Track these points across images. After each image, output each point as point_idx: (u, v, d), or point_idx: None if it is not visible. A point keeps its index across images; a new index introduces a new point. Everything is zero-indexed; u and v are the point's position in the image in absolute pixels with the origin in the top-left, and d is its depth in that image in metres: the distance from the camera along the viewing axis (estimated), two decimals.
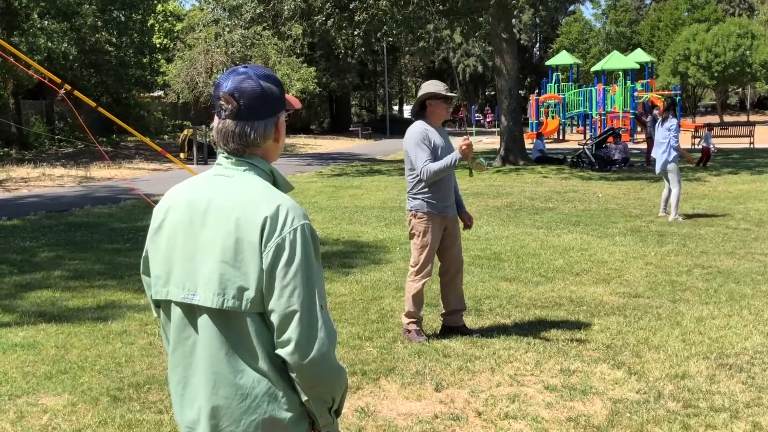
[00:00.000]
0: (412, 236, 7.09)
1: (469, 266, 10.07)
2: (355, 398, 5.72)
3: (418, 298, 7.07)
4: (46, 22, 30.25)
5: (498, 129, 28.78)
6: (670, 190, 13.85)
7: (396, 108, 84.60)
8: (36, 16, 30.21)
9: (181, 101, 43.74)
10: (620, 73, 41.51)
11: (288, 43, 43.16)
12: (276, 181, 2.55)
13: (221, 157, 2.52)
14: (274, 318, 2.32)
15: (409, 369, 6.31)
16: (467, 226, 7.39)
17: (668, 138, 13.49)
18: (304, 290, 2.32)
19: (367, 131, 57.26)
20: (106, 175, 25.69)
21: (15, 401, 5.73)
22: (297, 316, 2.31)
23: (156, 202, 2.64)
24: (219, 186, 2.46)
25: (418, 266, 7.05)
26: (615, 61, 42.72)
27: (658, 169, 13.73)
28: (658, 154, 13.67)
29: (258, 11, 26.24)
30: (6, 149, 32.23)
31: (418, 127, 6.94)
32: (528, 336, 7.11)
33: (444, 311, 7.33)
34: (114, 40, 35.78)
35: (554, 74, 45.11)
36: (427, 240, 6.97)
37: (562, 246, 11.50)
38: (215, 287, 2.36)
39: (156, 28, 44.53)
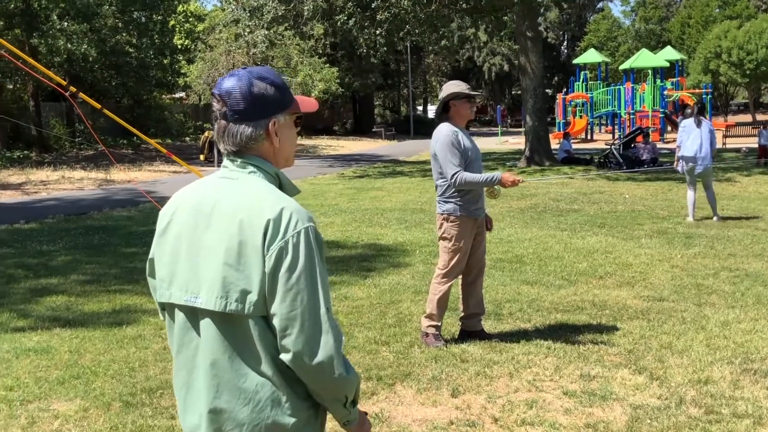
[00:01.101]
0: (443, 239, 7.06)
1: (490, 269, 10.06)
2: (370, 404, 5.72)
3: (443, 301, 7.06)
4: (66, 24, 30.47)
5: (523, 129, 28.67)
6: (694, 192, 13.79)
7: (420, 108, 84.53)
8: (55, 17, 30.43)
9: (202, 102, 43.94)
10: (649, 71, 41.30)
11: (310, 43, 43.27)
12: (282, 184, 2.56)
13: (226, 160, 2.55)
14: (277, 322, 2.33)
15: (426, 374, 6.31)
16: (488, 229, 7.37)
17: (711, 139, 13.49)
18: (308, 294, 2.32)
19: (391, 132, 57.29)
20: (126, 177, 25.86)
21: (26, 407, 5.78)
22: (300, 320, 2.31)
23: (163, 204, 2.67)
24: (224, 188, 2.47)
25: (447, 269, 7.03)
26: (644, 59, 42.52)
27: (700, 169, 13.55)
28: (700, 156, 13.53)
29: (279, 12, 26.31)
30: (26, 152, 32.51)
31: (447, 130, 6.91)
32: (548, 341, 7.08)
33: (462, 314, 7.31)
34: (134, 41, 36.00)
35: (582, 73, 44.94)
36: (460, 244, 6.96)
37: (586, 248, 11.45)
38: (218, 290, 2.37)
39: (177, 29, 44.73)
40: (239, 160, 2.50)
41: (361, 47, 30.61)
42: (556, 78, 79.27)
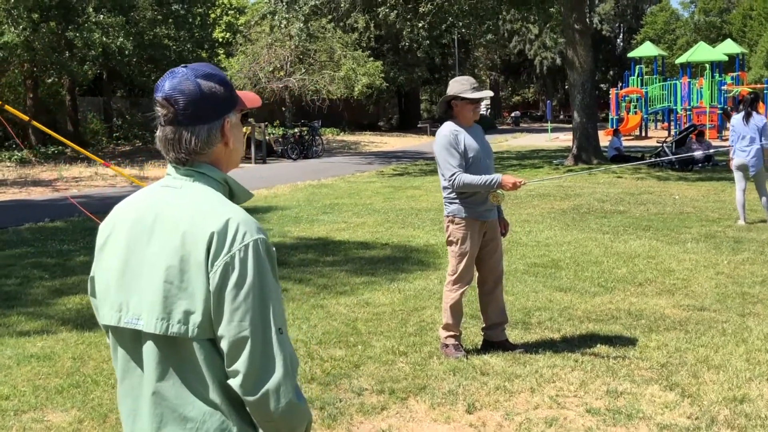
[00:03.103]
0: (450, 243, 6.92)
1: (522, 275, 9.86)
2: (379, 419, 5.56)
3: (456, 309, 6.88)
4: (102, 17, 30.67)
5: (571, 125, 28.31)
6: (743, 193, 13.39)
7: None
8: (91, 9, 30.66)
9: None
10: (707, 65, 40.62)
11: (354, 36, 43.23)
12: (232, 190, 2.42)
13: (170, 166, 2.40)
14: (224, 345, 2.19)
15: (442, 388, 6.13)
16: (502, 234, 7.17)
17: (761, 137, 13.06)
18: (257, 313, 2.18)
19: (436, 128, 56.92)
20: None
21: (20, 417, 5.70)
22: (249, 343, 2.16)
23: (103, 217, 2.54)
24: (166, 199, 2.33)
25: (456, 275, 6.86)
26: (701, 52, 41.84)
27: (753, 171, 13.17)
28: (751, 159, 13.11)
29: (315, 3, 26.17)
30: (61, 147, 32.80)
31: (446, 130, 6.76)
32: (576, 353, 6.86)
33: (484, 325, 7.12)
34: (172, 34, 36.16)
35: (637, 67, 44.36)
36: (466, 248, 6.77)
37: (627, 253, 11.17)
38: (159, 311, 2.23)
39: (216, 22, 44.91)
40: (184, 168, 2.35)
41: (405, 40, 30.41)
42: (611, 72, 78.47)
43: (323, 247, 11.96)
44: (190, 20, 37.51)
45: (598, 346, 7.06)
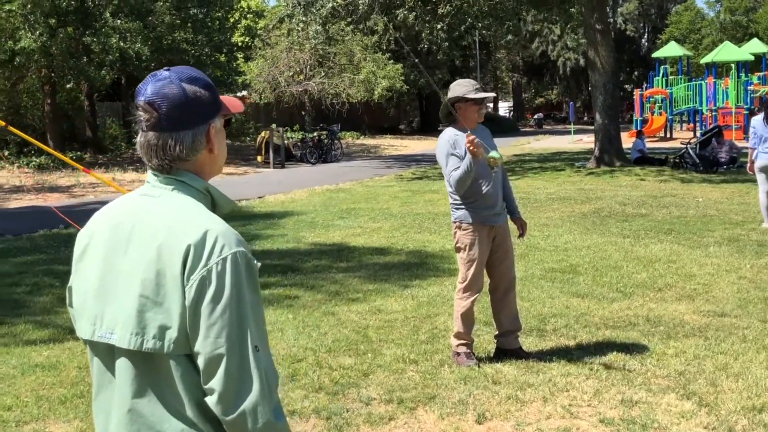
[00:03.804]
0: (458, 250, 6.85)
1: (539, 280, 9.75)
2: (386, 430, 5.48)
3: (467, 318, 6.79)
4: (119, 22, 30.72)
5: (593, 127, 28.07)
6: (766, 195, 13.19)
7: (490, 105, 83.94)
8: (108, 15, 30.70)
9: (263, 102, 44.11)
10: (732, 65, 40.29)
11: (373, 39, 43.22)
12: (214, 199, 2.34)
13: (150, 174, 2.33)
14: (200, 361, 2.12)
15: (452, 397, 6.03)
16: (520, 235, 7.09)
17: None
18: (235, 330, 2.11)
19: None
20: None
21: (22, 428, 5.66)
22: (225, 361, 2.09)
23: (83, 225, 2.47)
24: (144, 208, 2.26)
25: (466, 282, 6.78)
26: (726, 52, 41.51)
27: None
28: None
29: (331, 5, 26.07)
30: (80, 153, 32.90)
31: (446, 136, 6.69)
32: (591, 361, 6.75)
33: (497, 332, 7.03)
34: (190, 38, 36.17)
35: (662, 67, 44.04)
36: (474, 254, 6.69)
37: (647, 257, 11.02)
38: (133, 326, 2.16)
39: (236, 26, 44.93)
40: (164, 176, 2.28)
41: (423, 42, 30.34)
42: (635, 73, 77.98)
43: (337, 253, 11.89)
44: (209, 24, 37.45)
45: (615, 353, 6.95)
